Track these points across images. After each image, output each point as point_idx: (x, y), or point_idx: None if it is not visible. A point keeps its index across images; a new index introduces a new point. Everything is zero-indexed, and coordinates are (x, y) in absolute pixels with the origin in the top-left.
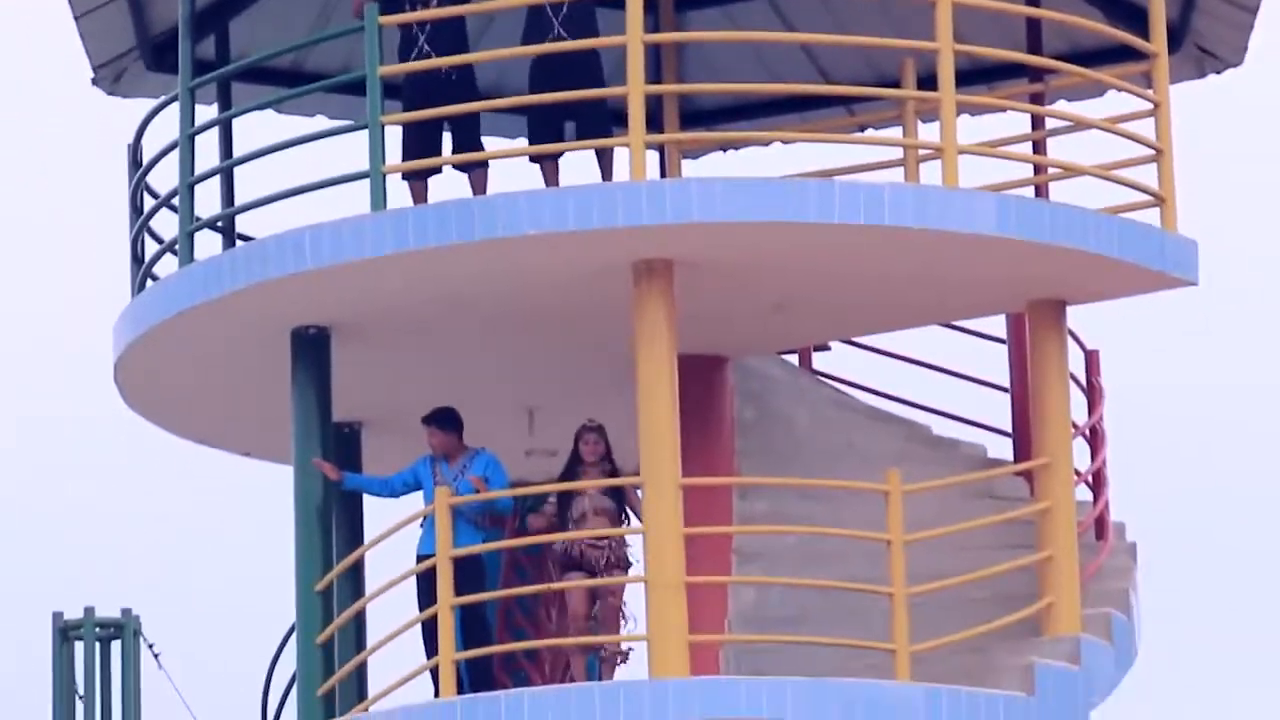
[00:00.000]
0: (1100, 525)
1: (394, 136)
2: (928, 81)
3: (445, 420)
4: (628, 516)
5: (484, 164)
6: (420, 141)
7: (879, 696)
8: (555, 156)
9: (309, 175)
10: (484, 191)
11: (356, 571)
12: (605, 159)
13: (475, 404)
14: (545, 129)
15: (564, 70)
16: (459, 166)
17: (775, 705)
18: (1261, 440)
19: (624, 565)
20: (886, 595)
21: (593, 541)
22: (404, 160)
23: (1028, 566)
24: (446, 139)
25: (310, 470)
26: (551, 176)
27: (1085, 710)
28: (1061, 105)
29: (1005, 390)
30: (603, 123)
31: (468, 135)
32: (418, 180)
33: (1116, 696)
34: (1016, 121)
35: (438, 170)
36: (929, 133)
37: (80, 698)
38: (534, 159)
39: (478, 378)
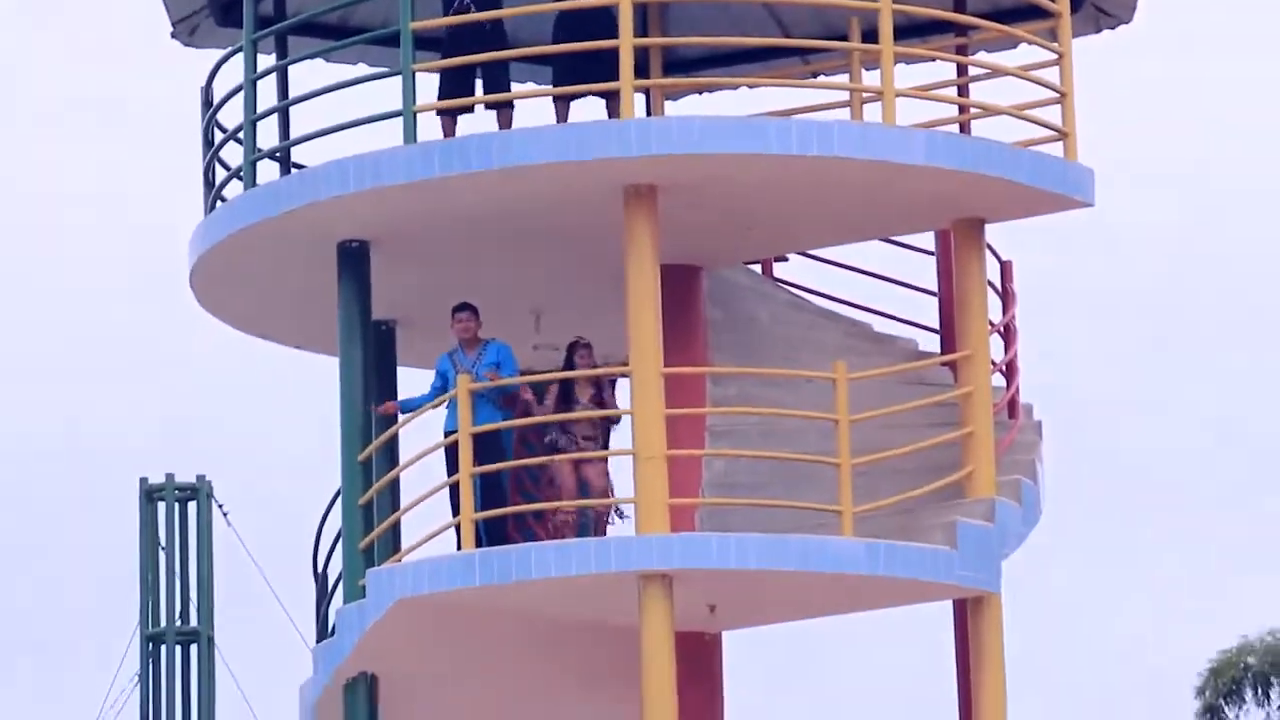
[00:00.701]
0: (1012, 406)
1: (425, 81)
2: (870, 35)
3: (474, 308)
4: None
5: (509, 104)
6: (454, 84)
7: (827, 550)
8: (567, 98)
9: (352, 114)
10: (509, 126)
11: (392, 444)
12: (614, 101)
13: (490, 306)
14: (566, 75)
15: (585, 25)
16: (490, 105)
17: (741, 557)
18: (1135, 331)
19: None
20: (834, 466)
21: (586, 433)
22: (439, 99)
23: (952, 441)
24: (477, 83)
25: (352, 360)
26: (563, 115)
27: (998, 560)
28: (982, 55)
29: (934, 294)
30: (615, 70)
31: (498, 78)
32: (448, 117)
33: (1024, 549)
34: (944, 69)
35: (468, 109)
36: (871, 78)
37: (162, 549)
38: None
39: (493, 283)
